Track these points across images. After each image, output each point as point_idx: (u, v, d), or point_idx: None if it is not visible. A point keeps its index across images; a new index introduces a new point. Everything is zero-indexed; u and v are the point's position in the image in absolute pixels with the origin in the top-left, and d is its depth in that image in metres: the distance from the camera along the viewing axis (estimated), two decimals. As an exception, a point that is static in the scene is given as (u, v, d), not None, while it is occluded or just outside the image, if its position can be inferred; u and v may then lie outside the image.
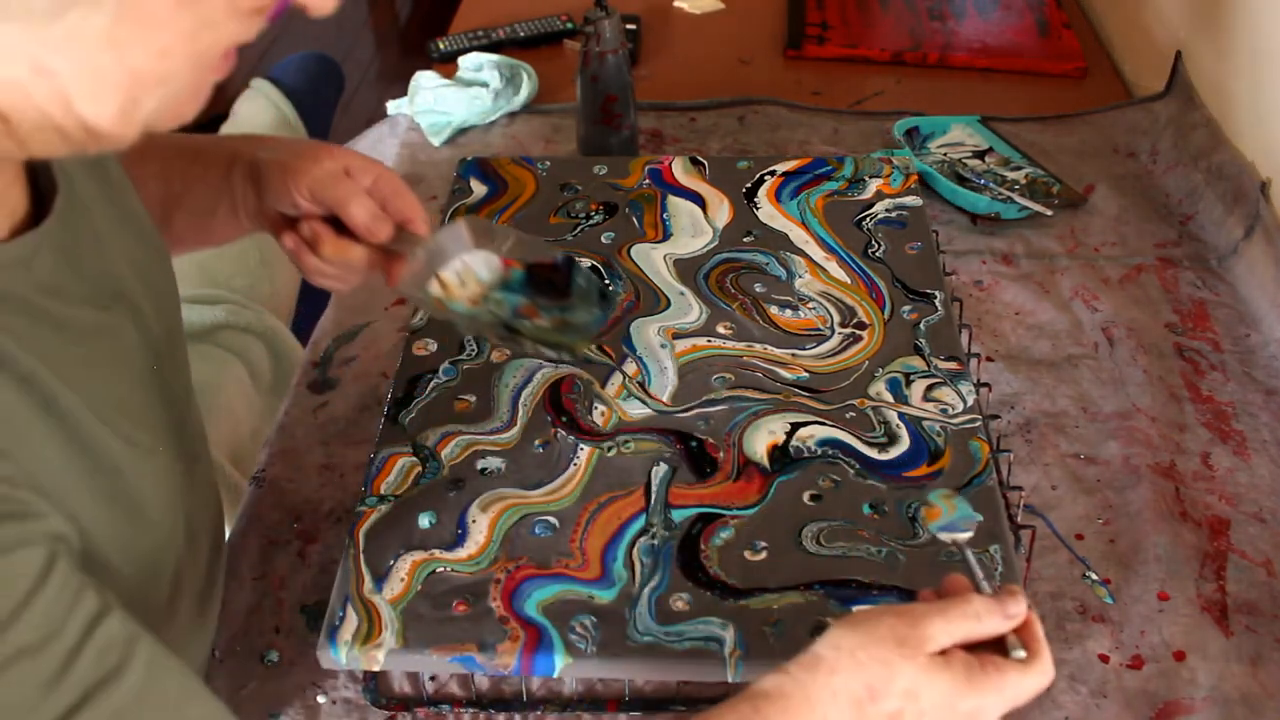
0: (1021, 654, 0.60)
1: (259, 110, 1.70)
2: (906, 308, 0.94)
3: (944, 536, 0.66)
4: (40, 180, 0.59)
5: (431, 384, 0.88)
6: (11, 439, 0.50)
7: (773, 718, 0.57)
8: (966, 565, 0.64)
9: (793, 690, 0.58)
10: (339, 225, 0.76)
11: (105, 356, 0.60)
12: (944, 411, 0.85)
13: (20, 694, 0.46)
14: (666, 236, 1.03)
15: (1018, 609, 0.61)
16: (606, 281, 0.96)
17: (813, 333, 0.92)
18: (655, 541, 0.76)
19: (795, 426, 0.84)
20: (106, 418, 0.57)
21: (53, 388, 0.53)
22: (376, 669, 0.71)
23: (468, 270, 0.80)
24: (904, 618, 0.59)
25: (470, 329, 0.88)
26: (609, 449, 0.82)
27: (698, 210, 1.06)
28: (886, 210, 1.04)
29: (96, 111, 0.48)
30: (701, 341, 0.91)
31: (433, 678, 0.76)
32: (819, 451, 0.82)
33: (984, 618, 0.60)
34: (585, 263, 0.83)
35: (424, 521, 0.77)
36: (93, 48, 0.46)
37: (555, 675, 0.71)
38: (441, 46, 1.46)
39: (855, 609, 0.71)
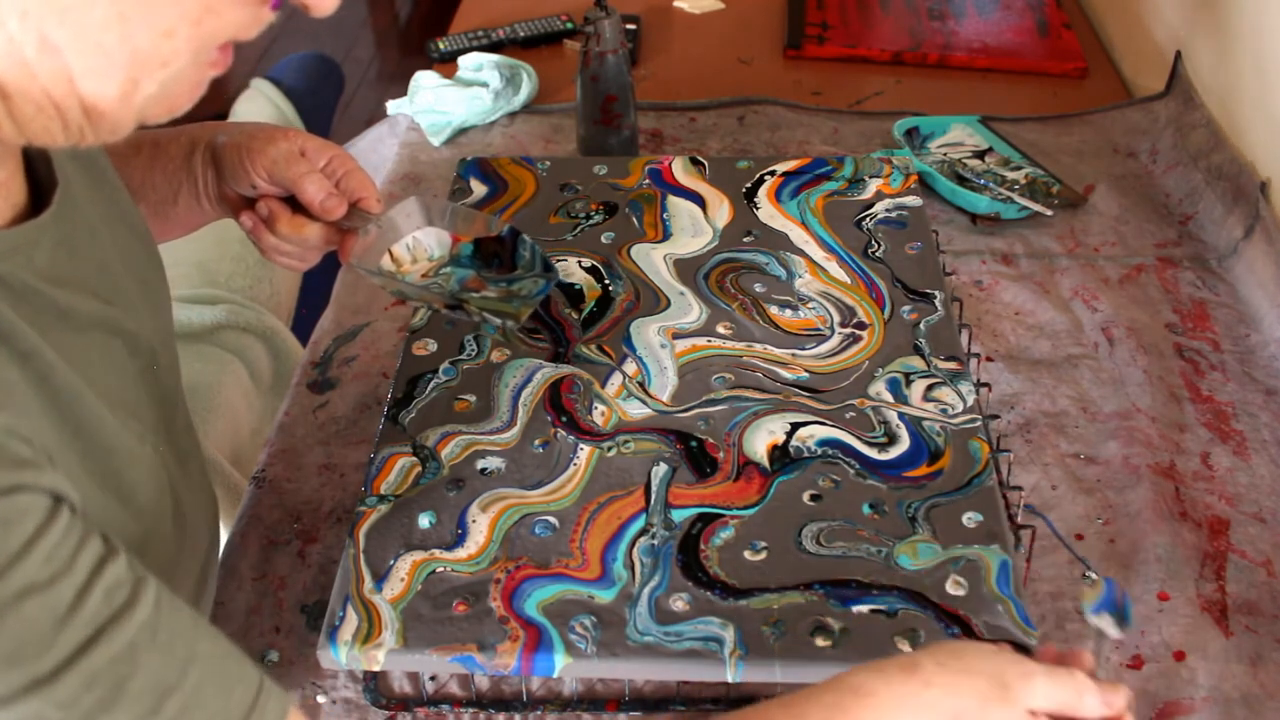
0: None
1: (259, 110, 1.70)
2: (906, 308, 0.94)
3: (1095, 620, 0.64)
4: (40, 175, 0.60)
5: (431, 384, 0.88)
6: (15, 410, 0.50)
7: (857, 714, 0.57)
8: (1097, 643, 0.64)
9: (882, 690, 0.58)
10: (296, 205, 0.80)
11: (102, 348, 0.61)
12: (944, 411, 0.85)
13: (33, 630, 0.46)
14: (666, 236, 1.03)
15: (1119, 702, 0.60)
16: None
17: (813, 333, 0.92)
18: (655, 541, 0.76)
19: (795, 426, 0.84)
20: (103, 402, 0.58)
21: (52, 364, 0.54)
22: (376, 669, 0.71)
23: (418, 246, 0.85)
24: (1015, 665, 0.59)
25: (419, 300, 0.91)
26: (609, 449, 0.82)
27: (698, 210, 1.06)
28: (886, 210, 1.04)
29: (98, 90, 0.48)
30: (701, 341, 0.91)
31: (433, 678, 0.76)
32: (819, 451, 0.82)
33: (1085, 696, 0.59)
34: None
35: (424, 521, 0.77)
36: (99, 24, 0.47)
37: (555, 675, 0.71)
38: (441, 46, 1.46)
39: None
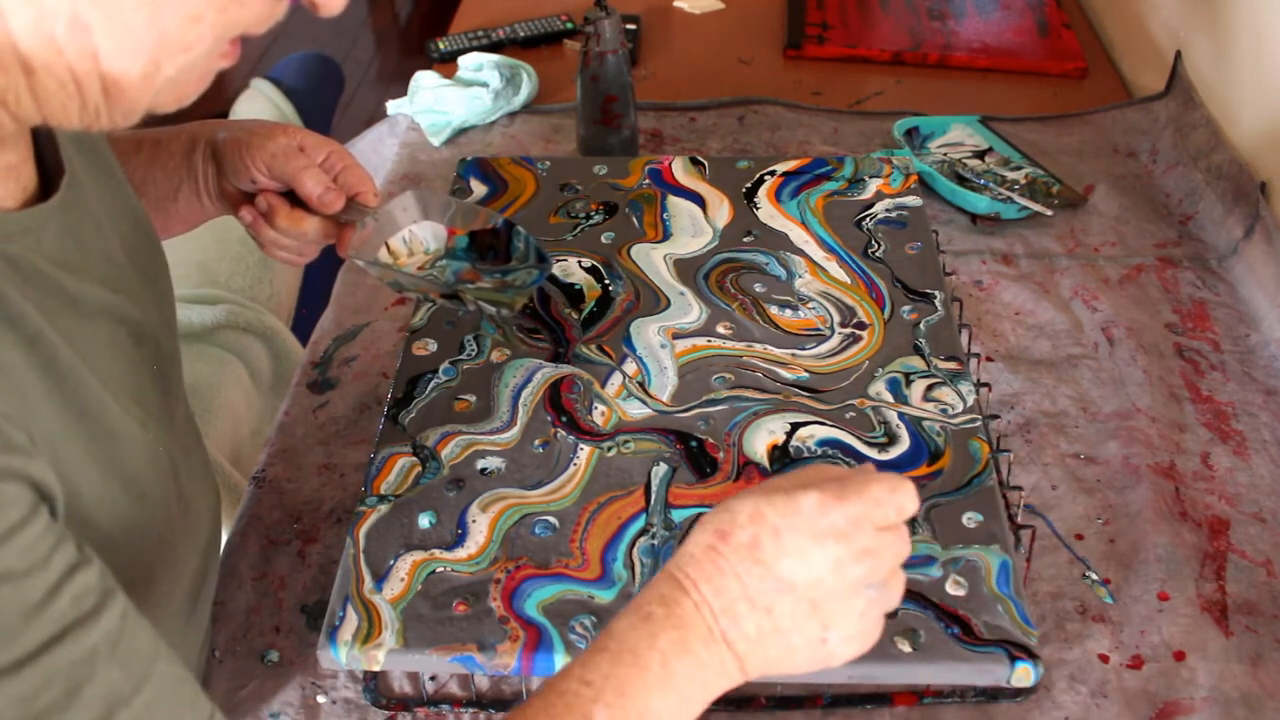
0: None
1: (259, 110, 1.70)
2: (906, 308, 0.94)
3: None
4: (48, 162, 0.61)
5: (431, 384, 0.88)
6: (13, 395, 0.51)
7: (644, 595, 0.60)
8: None
9: (659, 574, 0.61)
10: (295, 200, 0.82)
11: (108, 336, 0.61)
12: (944, 411, 0.85)
13: (2, 618, 0.46)
14: (666, 236, 1.03)
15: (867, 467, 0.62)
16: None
17: (813, 333, 0.92)
18: (655, 541, 0.76)
19: (795, 426, 0.84)
20: (107, 387, 0.58)
21: (57, 349, 0.54)
22: (376, 669, 0.71)
23: (415, 239, 0.87)
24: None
25: (416, 291, 0.91)
26: (609, 449, 0.82)
27: (698, 210, 1.06)
28: (886, 210, 1.04)
29: (121, 69, 0.49)
30: (701, 341, 0.91)
31: (433, 678, 0.76)
32: (819, 451, 0.82)
33: (832, 469, 0.61)
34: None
35: (424, 521, 0.77)
36: (131, 5, 0.48)
37: (555, 675, 0.71)
38: (441, 46, 1.47)
39: None
